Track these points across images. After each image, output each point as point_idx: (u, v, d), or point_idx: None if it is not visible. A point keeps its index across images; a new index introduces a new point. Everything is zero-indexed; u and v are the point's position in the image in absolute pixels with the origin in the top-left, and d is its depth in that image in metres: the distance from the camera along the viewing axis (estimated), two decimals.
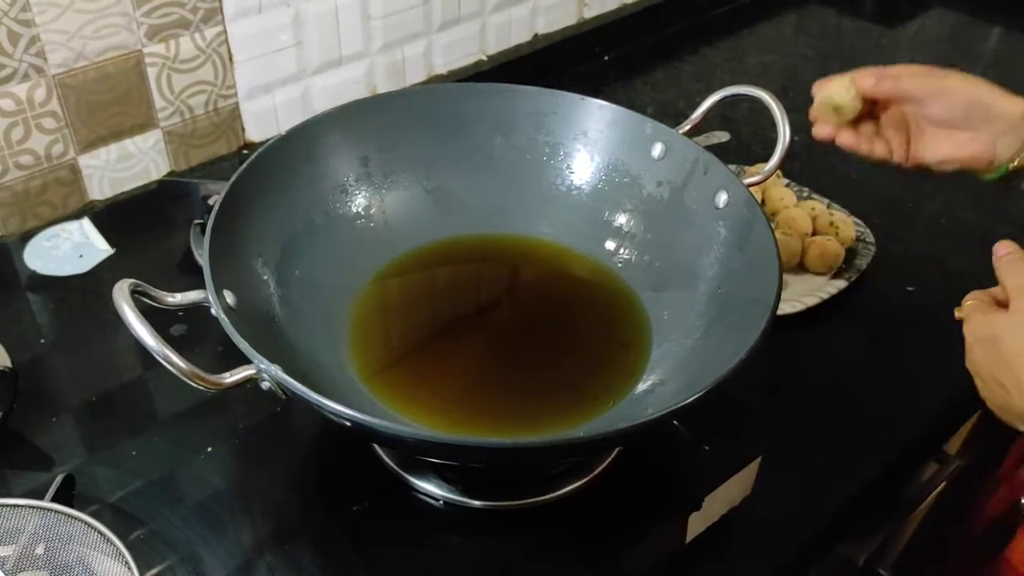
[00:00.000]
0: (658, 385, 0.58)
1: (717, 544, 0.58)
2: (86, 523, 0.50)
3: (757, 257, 0.57)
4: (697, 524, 0.57)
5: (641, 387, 0.58)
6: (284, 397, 0.48)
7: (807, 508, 0.60)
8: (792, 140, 0.62)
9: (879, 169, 0.93)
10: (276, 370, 0.46)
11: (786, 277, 0.56)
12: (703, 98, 0.68)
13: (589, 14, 1.12)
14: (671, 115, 1.00)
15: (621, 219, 0.61)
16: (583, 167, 0.70)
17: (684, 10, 1.19)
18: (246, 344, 0.47)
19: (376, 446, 0.60)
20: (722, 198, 0.62)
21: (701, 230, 0.63)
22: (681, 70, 1.12)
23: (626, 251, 0.67)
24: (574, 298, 0.65)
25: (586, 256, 0.68)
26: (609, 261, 0.68)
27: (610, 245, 0.68)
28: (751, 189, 0.61)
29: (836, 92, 0.63)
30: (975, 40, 1.22)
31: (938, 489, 0.78)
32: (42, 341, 0.69)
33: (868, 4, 1.28)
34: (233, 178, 0.59)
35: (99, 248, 0.77)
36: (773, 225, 0.66)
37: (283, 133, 0.65)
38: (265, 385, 0.48)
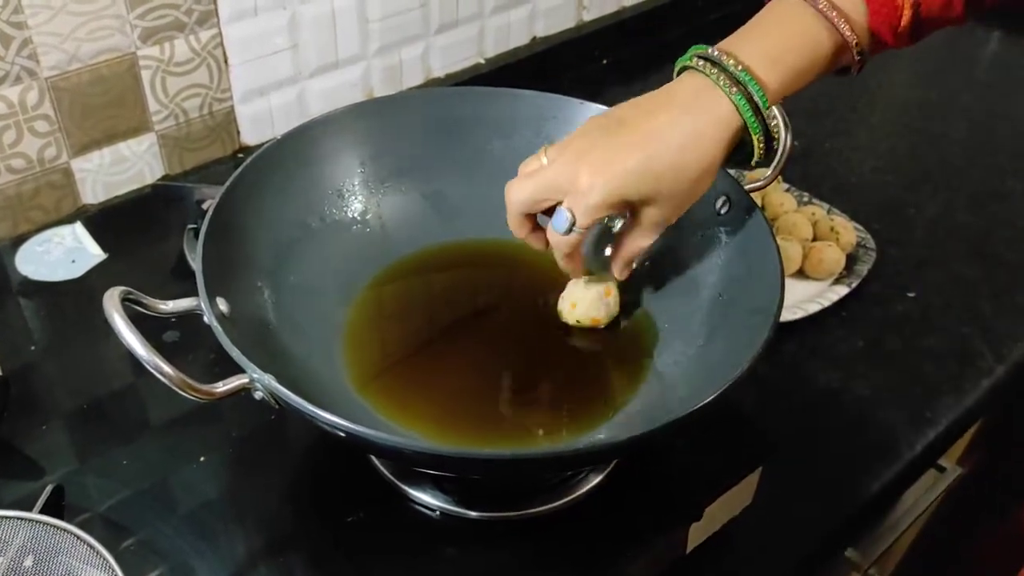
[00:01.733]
0: (659, 395, 0.57)
1: (717, 554, 0.58)
2: (76, 535, 0.49)
3: (759, 264, 0.56)
4: (698, 534, 0.57)
5: (642, 397, 0.57)
6: (278, 407, 0.47)
7: (808, 517, 0.59)
8: (792, 145, 0.61)
9: (879, 174, 0.93)
10: (269, 380, 0.46)
11: (786, 283, 0.56)
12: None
13: (588, 17, 1.11)
14: None
15: (620, 224, 0.60)
16: None
17: (683, 14, 1.19)
18: (238, 353, 0.46)
19: (371, 456, 0.59)
20: (723, 204, 0.61)
21: (702, 236, 0.62)
22: None
23: None
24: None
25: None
26: (609, 268, 0.67)
27: (610, 252, 0.67)
28: (751, 195, 0.60)
29: (597, 315, 0.61)
30: (975, 45, 1.22)
31: (938, 498, 0.77)
32: (33, 348, 0.68)
33: None
34: (228, 182, 0.58)
35: (92, 253, 0.76)
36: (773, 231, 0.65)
37: (279, 137, 0.64)
38: (258, 395, 0.47)
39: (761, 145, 0.53)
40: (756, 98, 0.51)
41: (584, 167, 0.52)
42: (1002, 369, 0.70)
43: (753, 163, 0.55)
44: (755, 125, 0.52)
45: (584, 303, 0.61)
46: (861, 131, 1.00)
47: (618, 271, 0.59)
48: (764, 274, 0.55)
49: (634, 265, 0.60)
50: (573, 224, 0.53)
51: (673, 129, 0.52)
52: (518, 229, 0.57)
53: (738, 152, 0.54)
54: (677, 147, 0.51)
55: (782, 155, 0.55)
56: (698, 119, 0.52)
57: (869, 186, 0.90)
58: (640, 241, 0.56)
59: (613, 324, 0.62)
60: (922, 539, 0.84)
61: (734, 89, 0.51)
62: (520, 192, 0.55)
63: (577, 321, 0.61)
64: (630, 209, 0.54)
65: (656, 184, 0.52)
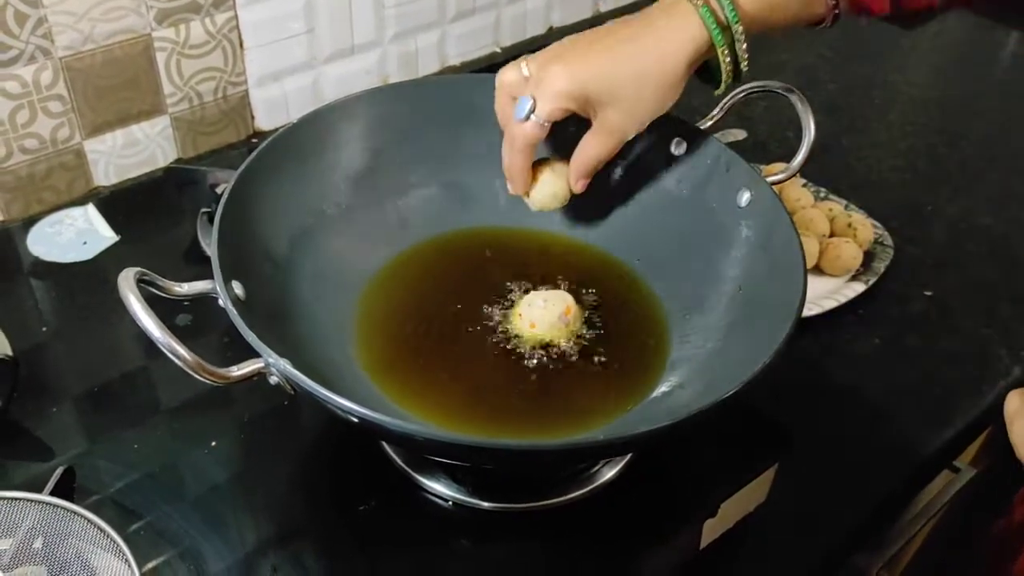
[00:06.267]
0: (677, 388, 0.56)
1: (731, 551, 0.57)
2: (85, 518, 0.49)
3: (781, 258, 0.55)
4: (712, 531, 0.56)
5: (660, 389, 0.57)
6: (292, 392, 0.47)
7: (821, 517, 0.59)
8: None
9: (898, 172, 0.92)
10: (285, 364, 0.45)
11: None
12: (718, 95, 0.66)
13: (604, 7, 1.11)
14: (684, 111, 0.98)
15: (640, 215, 0.59)
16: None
17: None
18: (254, 337, 0.46)
19: (384, 444, 0.58)
20: (745, 197, 0.60)
21: (723, 229, 0.61)
22: None
23: (645, 249, 0.66)
24: (590, 296, 0.63)
25: (603, 253, 0.67)
26: (627, 258, 0.66)
27: (629, 243, 0.66)
28: None
29: (558, 334, 0.60)
30: (994, 44, 1.21)
31: (952, 498, 0.77)
32: (44, 329, 0.68)
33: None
34: (243, 166, 0.58)
35: (104, 235, 0.76)
36: None
37: (295, 121, 0.63)
38: (273, 380, 0.46)
39: (728, 62, 0.55)
40: (725, 13, 0.53)
41: (556, 62, 0.55)
42: (1019, 370, 0.69)
43: (722, 87, 0.56)
44: (720, 39, 0.53)
45: (544, 324, 0.60)
46: (879, 128, 0.99)
47: (574, 181, 0.60)
48: (786, 269, 0.54)
49: (588, 179, 0.60)
50: (532, 110, 0.55)
51: (640, 39, 0.54)
52: (501, 113, 0.59)
53: (706, 72, 0.57)
54: (641, 55, 0.54)
55: (806, 148, 0.54)
56: (664, 31, 0.54)
57: (887, 184, 0.89)
58: (597, 148, 0.58)
59: (631, 317, 0.62)
60: (934, 539, 0.83)
61: (700, 2, 0.53)
62: (506, 74, 0.58)
63: (537, 339, 0.60)
64: (591, 112, 0.56)
65: (618, 87, 0.54)
